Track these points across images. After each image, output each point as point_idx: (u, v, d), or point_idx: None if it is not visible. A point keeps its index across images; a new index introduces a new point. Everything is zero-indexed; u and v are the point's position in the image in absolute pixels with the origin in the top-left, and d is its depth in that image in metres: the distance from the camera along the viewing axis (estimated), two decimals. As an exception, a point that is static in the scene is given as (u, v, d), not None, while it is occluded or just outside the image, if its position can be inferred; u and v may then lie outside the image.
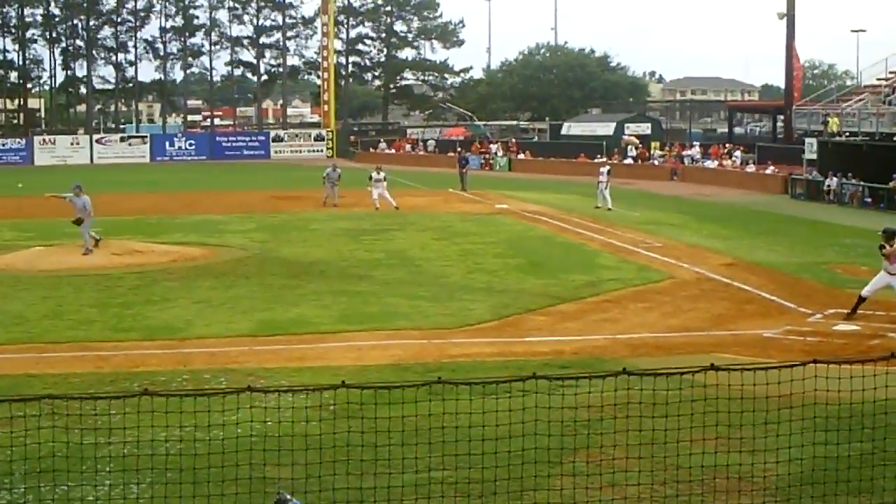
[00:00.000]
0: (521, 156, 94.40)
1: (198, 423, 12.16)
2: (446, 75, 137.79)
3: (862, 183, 57.73)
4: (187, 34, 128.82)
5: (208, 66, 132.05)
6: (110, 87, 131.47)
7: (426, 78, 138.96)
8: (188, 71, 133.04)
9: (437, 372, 18.23)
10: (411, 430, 11.68)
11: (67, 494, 12.73)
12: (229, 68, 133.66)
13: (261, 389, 10.97)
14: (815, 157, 63.69)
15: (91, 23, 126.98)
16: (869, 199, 56.65)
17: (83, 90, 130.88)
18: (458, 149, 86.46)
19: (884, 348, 19.69)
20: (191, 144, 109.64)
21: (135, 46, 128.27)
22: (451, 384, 11.12)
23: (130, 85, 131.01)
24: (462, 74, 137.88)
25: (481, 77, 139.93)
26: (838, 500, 12.43)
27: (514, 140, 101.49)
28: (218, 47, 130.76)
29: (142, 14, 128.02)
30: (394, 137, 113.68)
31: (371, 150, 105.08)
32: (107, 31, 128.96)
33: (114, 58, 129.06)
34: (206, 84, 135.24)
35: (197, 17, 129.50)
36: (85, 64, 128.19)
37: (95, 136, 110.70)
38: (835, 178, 59.44)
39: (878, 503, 12.35)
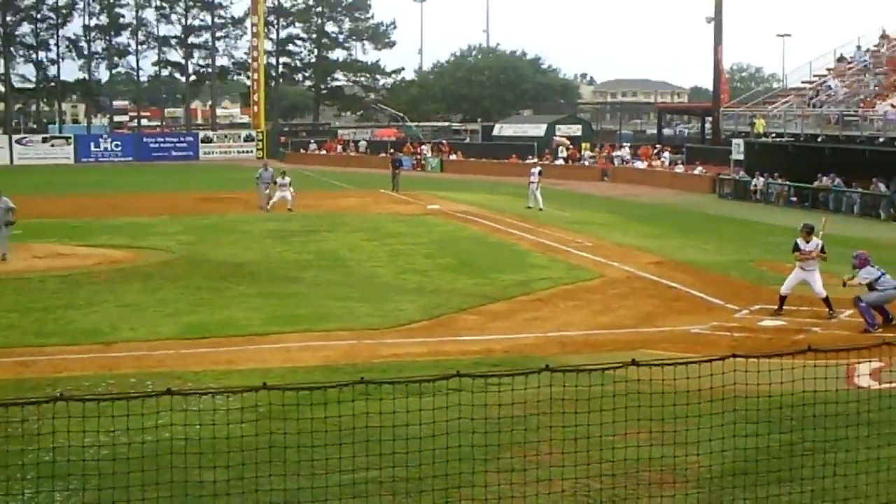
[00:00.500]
0: (453, 157, 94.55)
1: (122, 427, 12.02)
2: (378, 76, 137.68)
3: (788, 183, 58.63)
4: (112, 33, 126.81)
5: (135, 65, 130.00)
6: (30, 85, 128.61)
7: (357, 79, 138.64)
8: (114, 71, 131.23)
9: (368, 373, 18.23)
10: (340, 430, 11.62)
11: (-15, 504, 12.53)
12: (157, 68, 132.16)
13: (181, 392, 10.83)
14: (742, 157, 64.63)
15: (8, 18, 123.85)
16: (794, 199, 57.51)
17: (1, 88, 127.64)
18: (391, 150, 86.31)
19: (807, 342, 19.91)
20: (117, 146, 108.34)
21: (56, 45, 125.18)
22: (374, 384, 11.09)
23: (52, 84, 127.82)
24: (394, 75, 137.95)
25: (413, 78, 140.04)
26: (764, 491, 12.56)
27: (445, 141, 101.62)
28: (145, 47, 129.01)
29: (63, 11, 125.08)
30: (325, 138, 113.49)
31: (302, 150, 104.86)
32: (26, 27, 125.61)
33: (34, 56, 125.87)
34: (133, 84, 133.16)
35: (123, 16, 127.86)
36: (2, 61, 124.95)
37: (15, 137, 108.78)
38: (761, 178, 60.28)
39: (802, 492, 12.48)
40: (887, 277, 24.54)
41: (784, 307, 25.57)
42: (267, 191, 53.07)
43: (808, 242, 26.14)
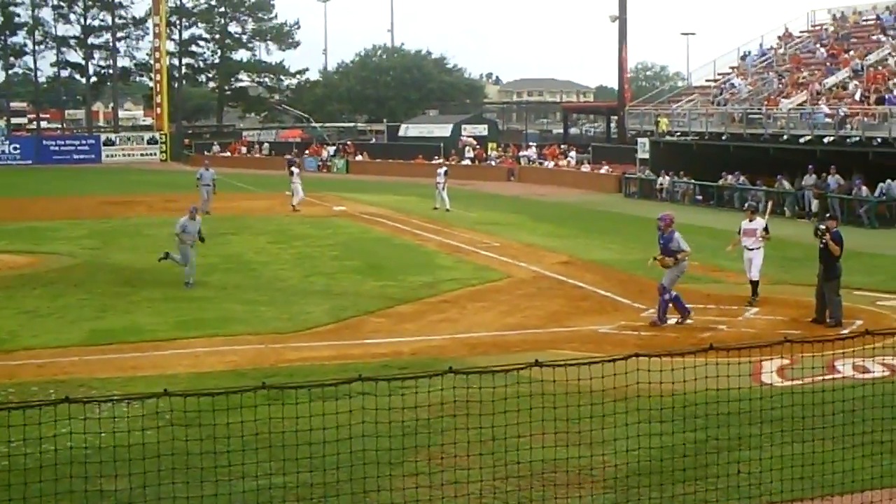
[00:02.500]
0: (359, 158, 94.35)
1: (25, 437, 11.81)
2: (282, 77, 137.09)
3: (693, 181, 59.19)
4: (8, 32, 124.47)
5: (32, 66, 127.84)
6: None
7: (261, 80, 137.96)
8: (10, 71, 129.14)
9: (274, 377, 18.09)
10: (249, 436, 11.53)
11: None
12: (56, 69, 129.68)
13: (79, 400, 10.64)
14: (647, 156, 65.21)
15: None
16: (700, 197, 58.14)
17: None
18: (289, 153, 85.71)
19: (714, 341, 20.09)
20: (15, 148, 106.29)
21: None
22: (277, 388, 10.99)
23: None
24: (298, 76, 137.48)
25: (318, 79, 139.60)
26: (674, 489, 12.64)
27: (350, 142, 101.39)
28: (43, 47, 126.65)
29: None
30: (229, 140, 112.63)
31: (206, 152, 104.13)
32: None
33: None
34: (31, 85, 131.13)
35: (18, 15, 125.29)
36: None
37: None
38: (667, 177, 60.75)
39: (708, 490, 12.59)
40: None
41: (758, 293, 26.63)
42: (206, 193, 52.11)
43: (751, 221, 26.98)
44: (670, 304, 24.46)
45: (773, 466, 12.70)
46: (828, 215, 28.20)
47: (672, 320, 24.49)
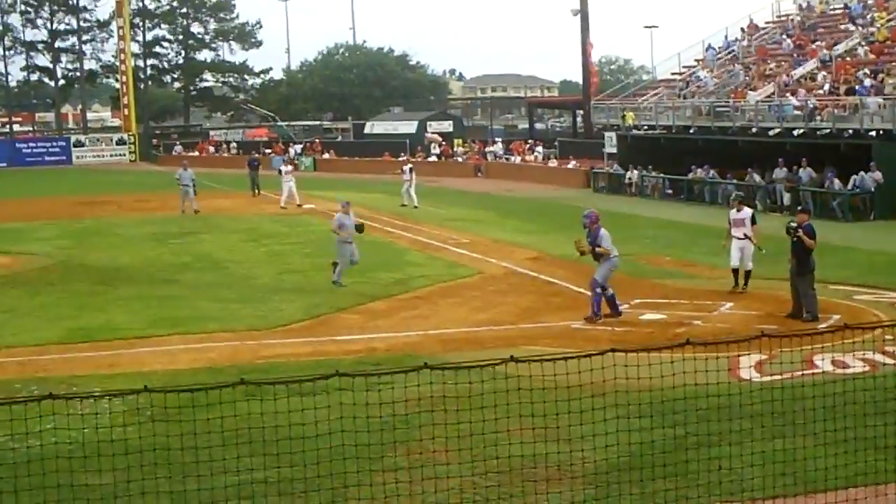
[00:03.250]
0: (326, 155, 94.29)
1: (6, 433, 11.98)
2: (246, 76, 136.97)
3: (662, 175, 59.15)
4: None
5: (3, 71, 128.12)
6: None
7: (226, 79, 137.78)
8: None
9: (250, 374, 18.20)
10: (228, 431, 11.64)
11: None
12: (25, 73, 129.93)
13: (63, 396, 10.78)
14: (615, 150, 64.97)
15: None
16: (670, 191, 58.13)
17: None
18: (252, 151, 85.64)
19: (687, 336, 20.22)
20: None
21: None
22: (255, 384, 11.12)
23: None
24: (262, 75, 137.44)
25: (282, 78, 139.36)
26: (654, 485, 12.75)
27: (317, 140, 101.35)
28: (12, 52, 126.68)
29: None
30: (196, 140, 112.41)
31: (174, 153, 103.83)
32: None
33: None
34: (3, 90, 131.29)
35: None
36: None
37: None
38: (635, 172, 60.65)
39: (689, 486, 12.70)
40: None
41: (749, 282, 27.17)
42: (186, 193, 51.72)
43: (739, 212, 27.52)
44: (603, 300, 24.58)
45: (754, 462, 12.69)
46: (799, 208, 28.48)
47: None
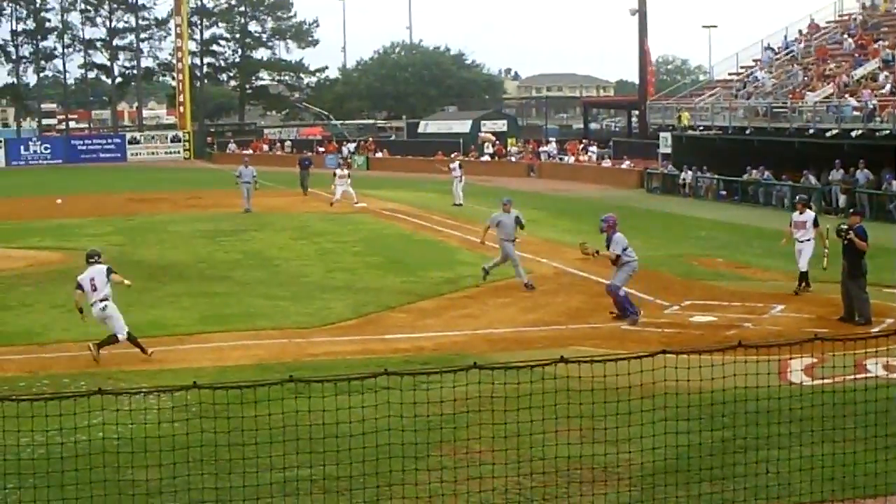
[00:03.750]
0: (379, 154, 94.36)
1: (58, 427, 12.02)
2: (302, 75, 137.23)
3: (716, 176, 58.67)
4: (39, 37, 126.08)
5: (62, 68, 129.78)
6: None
7: (282, 78, 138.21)
8: (41, 74, 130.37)
9: (299, 371, 18.13)
10: (273, 428, 11.64)
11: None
12: (83, 71, 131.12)
13: (112, 392, 10.86)
14: (669, 151, 64.56)
15: None
16: (724, 193, 57.55)
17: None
18: (304, 151, 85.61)
19: (738, 338, 20.03)
20: (46, 148, 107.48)
21: None
22: (304, 382, 11.11)
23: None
24: (318, 74, 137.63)
25: (337, 76, 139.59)
26: (700, 488, 12.64)
27: (371, 139, 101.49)
28: (71, 50, 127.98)
29: None
30: (251, 138, 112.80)
31: (228, 151, 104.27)
32: None
33: None
34: (61, 87, 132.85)
35: (49, 20, 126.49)
36: None
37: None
38: (690, 172, 60.22)
39: (736, 490, 12.59)
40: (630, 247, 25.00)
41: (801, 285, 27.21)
42: (247, 190, 51.47)
43: (801, 213, 27.49)
44: (628, 297, 24.61)
45: (802, 467, 12.60)
46: (851, 210, 28.17)
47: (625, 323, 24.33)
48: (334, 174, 55.76)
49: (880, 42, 59.73)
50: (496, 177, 73.72)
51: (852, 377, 16.42)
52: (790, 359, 17.97)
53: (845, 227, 24.01)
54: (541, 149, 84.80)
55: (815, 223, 27.20)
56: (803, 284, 27.14)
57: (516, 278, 29.14)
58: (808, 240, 27.06)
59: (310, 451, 12.11)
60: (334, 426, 12.08)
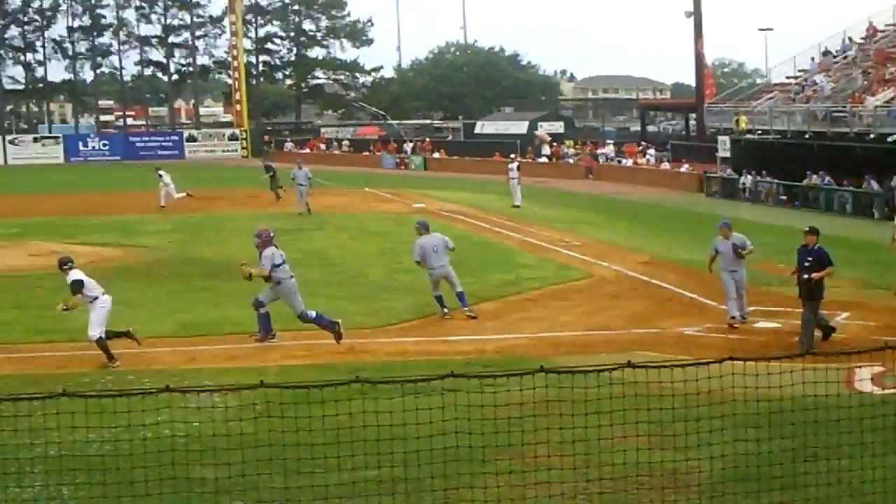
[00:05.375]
0: (436, 155, 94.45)
1: (123, 424, 12.10)
2: (357, 74, 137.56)
3: (776, 181, 58.17)
4: (95, 34, 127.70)
5: (118, 65, 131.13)
6: (21, 87, 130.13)
7: (337, 77, 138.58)
8: (98, 71, 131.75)
9: (362, 371, 18.06)
10: (337, 429, 11.63)
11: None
12: (139, 68, 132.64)
13: (179, 389, 10.87)
14: (728, 154, 64.07)
15: None
16: (784, 197, 56.98)
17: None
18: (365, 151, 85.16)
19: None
20: (105, 145, 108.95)
21: (43, 46, 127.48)
22: (370, 383, 11.09)
23: (41, 85, 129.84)
24: (373, 73, 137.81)
25: (392, 76, 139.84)
26: (767, 498, 12.51)
27: (428, 139, 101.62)
28: (127, 47, 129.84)
29: (48, 13, 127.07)
30: (307, 137, 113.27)
31: (285, 149, 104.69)
32: (14, 30, 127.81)
33: (22, 57, 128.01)
34: (117, 84, 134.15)
35: (104, 17, 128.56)
36: None
37: (8, 137, 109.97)
38: (749, 176, 59.78)
39: (805, 499, 12.46)
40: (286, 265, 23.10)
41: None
42: (302, 193, 50.48)
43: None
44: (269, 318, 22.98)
45: (875, 478, 12.42)
46: (807, 229, 26.83)
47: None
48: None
49: (941, 45, 58.94)
50: (553, 178, 73.57)
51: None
52: (858, 367, 17.76)
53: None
54: (598, 151, 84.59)
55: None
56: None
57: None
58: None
59: (377, 453, 12.08)
60: (400, 428, 12.04)
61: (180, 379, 18.51)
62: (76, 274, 21.56)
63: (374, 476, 12.71)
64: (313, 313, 22.52)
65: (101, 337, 21.06)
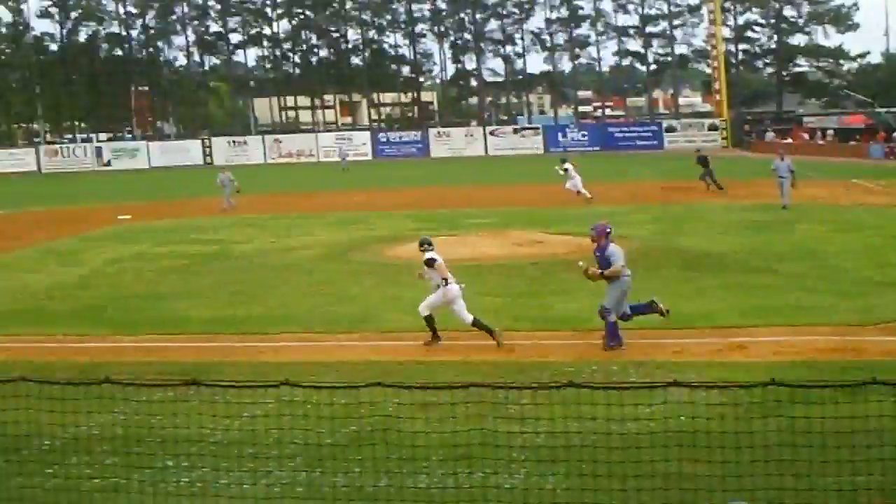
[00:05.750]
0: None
1: (611, 415, 12.02)
2: (841, 61, 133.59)
3: None
4: (573, 25, 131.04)
5: (596, 56, 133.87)
6: (500, 79, 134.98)
7: (820, 64, 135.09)
8: (576, 62, 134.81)
9: (854, 372, 17.34)
10: (836, 431, 11.14)
11: (484, 481, 12.73)
12: (617, 58, 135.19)
13: (686, 384, 10.73)
14: None
15: (477, 16, 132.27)
16: None
17: (474, 83, 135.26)
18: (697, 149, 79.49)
19: None
20: (583, 135, 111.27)
21: (521, 38, 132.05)
22: (889, 385, 10.38)
23: (520, 77, 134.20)
24: (858, 59, 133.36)
25: (879, 62, 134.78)
26: None
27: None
28: (604, 38, 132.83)
29: (526, 6, 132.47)
30: (789, 126, 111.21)
31: (766, 139, 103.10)
32: (493, 24, 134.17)
33: (501, 50, 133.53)
34: (595, 75, 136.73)
35: (582, 8, 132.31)
36: (474, 57, 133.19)
37: (489, 129, 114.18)
38: None
39: None
40: None
41: None
42: (783, 184, 47.81)
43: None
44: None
45: None
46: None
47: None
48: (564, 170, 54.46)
49: None
50: None
51: None
52: None
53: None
54: None
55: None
56: None
57: None
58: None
59: (866, 460, 11.48)
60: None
61: (665, 371, 18.44)
62: (431, 254, 22.21)
63: (867, 482, 11.95)
64: (613, 318, 21.31)
65: (429, 315, 21.96)
